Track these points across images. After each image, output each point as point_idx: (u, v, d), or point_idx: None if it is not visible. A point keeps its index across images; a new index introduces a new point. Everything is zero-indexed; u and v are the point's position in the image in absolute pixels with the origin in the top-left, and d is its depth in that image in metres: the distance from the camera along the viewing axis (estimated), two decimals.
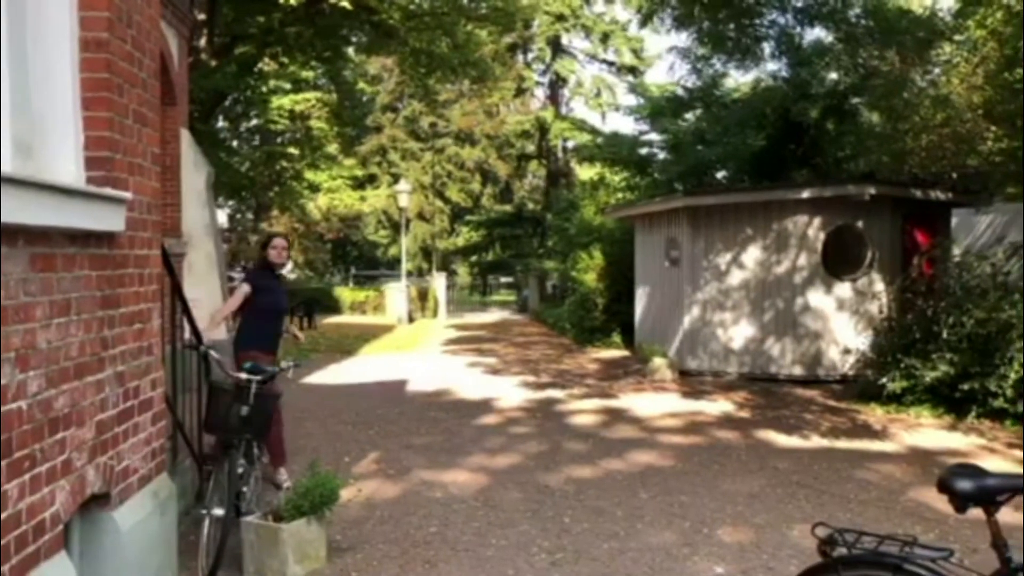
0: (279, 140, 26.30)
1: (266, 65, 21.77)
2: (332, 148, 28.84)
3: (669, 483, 6.92)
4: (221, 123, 24.35)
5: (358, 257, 50.50)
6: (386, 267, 47.81)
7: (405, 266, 29.13)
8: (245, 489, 5.23)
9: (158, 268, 4.17)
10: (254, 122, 25.09)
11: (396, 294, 26.79)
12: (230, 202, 32.38)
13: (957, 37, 15.19)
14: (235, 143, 25.98)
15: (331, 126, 26.72)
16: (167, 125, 9.48)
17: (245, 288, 6.73)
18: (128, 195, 3.60)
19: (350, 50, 22.28)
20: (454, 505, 6.29)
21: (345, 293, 31.76)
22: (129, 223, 3.65)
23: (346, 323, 25.47)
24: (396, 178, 36.19)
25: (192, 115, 12.79)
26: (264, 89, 21.81)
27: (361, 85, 31.80)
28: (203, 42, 16.24)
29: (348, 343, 18.59)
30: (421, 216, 42.28)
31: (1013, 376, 8.59)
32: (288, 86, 24.07)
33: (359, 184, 39.73)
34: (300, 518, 4.81)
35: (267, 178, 26.19)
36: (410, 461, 7.62)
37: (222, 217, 31.74)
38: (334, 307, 29.61)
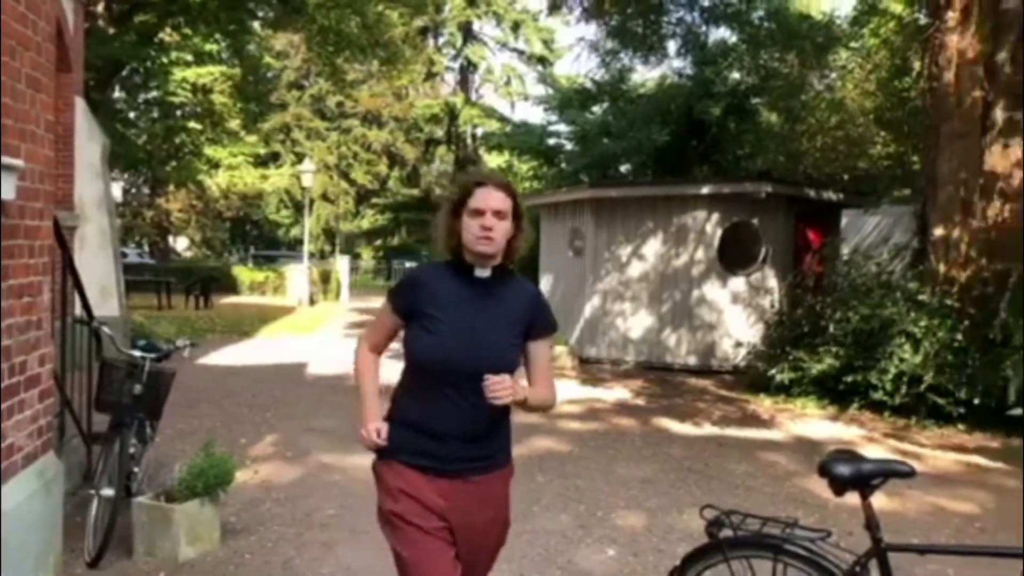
0: (179, 114, 25.49)
1: (167, 36, 21.05)
2: (234, 124, 28.11)
3: (566, 468, 7.04)
4: (118, 93, 23.46)
5: (258, 237, 49.45)
6: (287, 248, 47.00)
7: (307, 247, 28.69)
8: (136, 469, 5.10)
9: (49, 240, 4.03)
10: (153, 94, 24.24)
11: (297, 275, 26.28)
12: (125, 175, 31.23)
13: (852, 44, 15.86)
14: (132, 115, 25.07)
15: (234, 101, 26.04)
16: (61, 93, 9.08)
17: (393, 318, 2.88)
18: (19, 163, 3.47)
19: (256, 24, 21.75)
20: (353, 488, 6.25)
21: (244, 273, 30.92)
22: (20, 192, 3.51)
23: (244, 303, 24.92)
24: (300, 157, 35.59)
25: (88, 84, 12.28)
26: (165, 60, 21.07)
27: (267, 60, 31.02)
28: (100, 7, 15.64)
29: (246, 324, 18.13)
30: (325, 197, 41.68)
31: (892, 370, 9.04)
32: (190, 58, 23.34)
33: (261, 162, 38.85)
34: (193, 499, 4.72)
35: (165, 152, 25.38)
36: (309, 444, 7.54)
37: (116, 191, 30.58)
38: (232, 287, 28.84)
